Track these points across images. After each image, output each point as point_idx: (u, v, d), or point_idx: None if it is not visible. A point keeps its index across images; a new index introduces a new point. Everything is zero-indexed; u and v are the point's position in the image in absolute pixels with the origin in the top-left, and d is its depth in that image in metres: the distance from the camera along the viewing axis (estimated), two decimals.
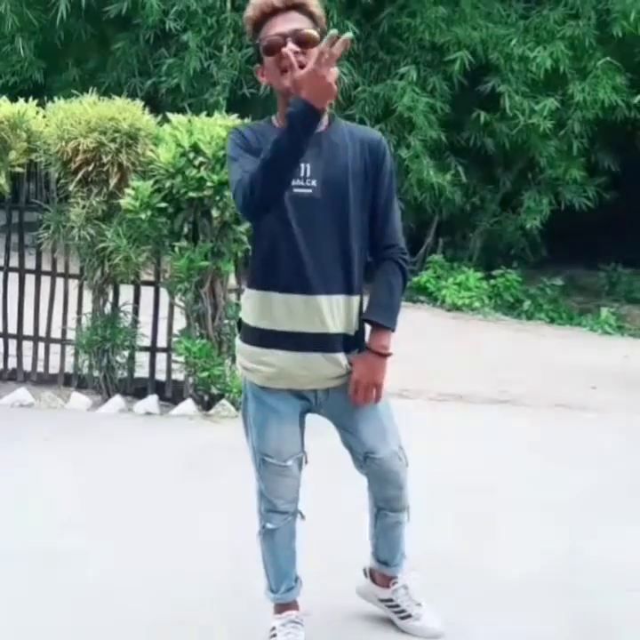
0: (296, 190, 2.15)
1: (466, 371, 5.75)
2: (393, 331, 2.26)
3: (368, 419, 2.30)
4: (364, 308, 2.27)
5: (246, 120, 4.61)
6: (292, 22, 2.10)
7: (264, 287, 2.20)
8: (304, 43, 2.08)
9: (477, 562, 2.97)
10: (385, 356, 2.25)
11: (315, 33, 2.10)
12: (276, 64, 2.11)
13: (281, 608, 2.41)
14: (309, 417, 2.33)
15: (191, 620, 2.55)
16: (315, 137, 2.11)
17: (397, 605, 2.53)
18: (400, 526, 2.46)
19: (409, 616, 2.52)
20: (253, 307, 2.23)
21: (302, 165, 2.13)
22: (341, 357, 2.22)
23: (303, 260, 2.16)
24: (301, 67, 1.97)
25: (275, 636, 2.37)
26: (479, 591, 2.78)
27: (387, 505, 2.42)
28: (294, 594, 2.41)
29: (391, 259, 2.27)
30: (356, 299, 2.24)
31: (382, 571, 2.54)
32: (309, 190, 2.16)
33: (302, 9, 2.12)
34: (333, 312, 2.19)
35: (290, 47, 2.06)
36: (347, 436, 2.35)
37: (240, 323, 2.30)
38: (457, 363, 5.98)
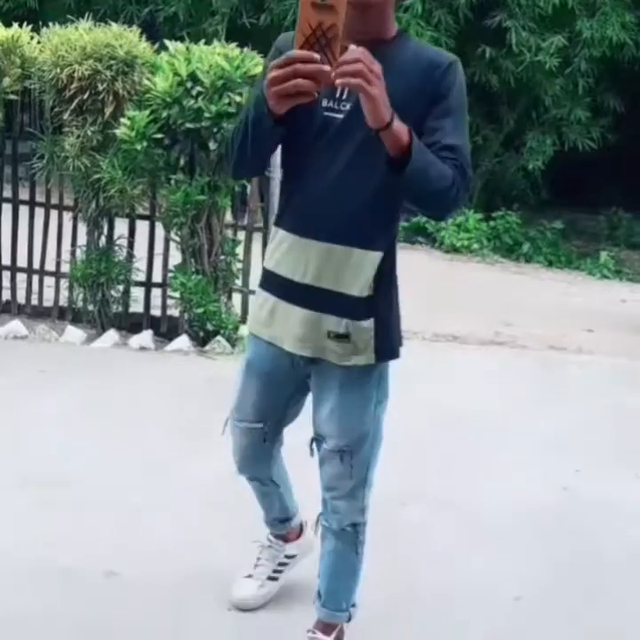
0: (326, 113, 1.75)
1: (462, 312, 5.73)
2: (408, 156, 1.63)
3: (342, 423, 1.91)
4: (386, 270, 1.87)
5: (246, 50, 4.49)
6: None
7: (280, 225, 1.89)
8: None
9: (468, 501, 2.99)
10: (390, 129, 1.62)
11: None
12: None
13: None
14: None
15: (194, 540, 2.61)
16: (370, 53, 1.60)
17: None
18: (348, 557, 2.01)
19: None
20: (270, 244, 1.93)
21: None
22: (340, 322, 1.84)
23: (322, 199, 1.79)
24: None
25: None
26: (470, 530, 2.81)
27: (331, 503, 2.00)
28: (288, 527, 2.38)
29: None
30: (376, 255, 1.83)
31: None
32: (340, 115, 1.75)
33: None
34: (345, 267, 1.81)
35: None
36: (313, 409, 2.00)
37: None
38: (453, 304, 5.96)
